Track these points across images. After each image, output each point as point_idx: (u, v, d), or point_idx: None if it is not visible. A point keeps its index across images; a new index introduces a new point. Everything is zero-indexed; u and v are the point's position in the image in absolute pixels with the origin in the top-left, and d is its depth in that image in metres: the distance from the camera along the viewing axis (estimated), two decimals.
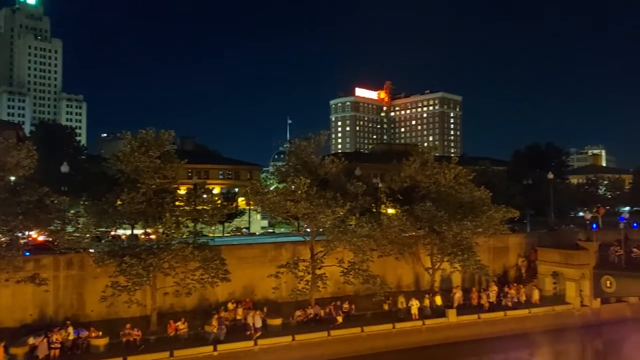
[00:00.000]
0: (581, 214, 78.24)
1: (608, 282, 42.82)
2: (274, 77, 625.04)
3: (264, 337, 33.82)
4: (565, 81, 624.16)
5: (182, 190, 40.98)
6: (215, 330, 33.13)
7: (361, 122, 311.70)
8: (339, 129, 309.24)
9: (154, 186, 35.03)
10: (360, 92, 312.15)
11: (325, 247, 38.22)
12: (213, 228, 48.22)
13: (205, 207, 36.54)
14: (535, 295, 43.74)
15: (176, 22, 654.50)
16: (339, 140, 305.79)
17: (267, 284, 39.21)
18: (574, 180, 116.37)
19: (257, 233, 77.82)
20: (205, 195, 37.37)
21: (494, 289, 43.05)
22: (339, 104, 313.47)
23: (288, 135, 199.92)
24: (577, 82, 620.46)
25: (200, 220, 37.13)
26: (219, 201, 39.28)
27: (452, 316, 39.27)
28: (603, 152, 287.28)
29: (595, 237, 46.05)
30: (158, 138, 35.90)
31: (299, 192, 36.88)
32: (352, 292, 40.82)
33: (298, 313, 37.26)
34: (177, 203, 36.08)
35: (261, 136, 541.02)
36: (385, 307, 39.61)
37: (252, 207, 54.02)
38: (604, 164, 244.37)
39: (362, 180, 44.89)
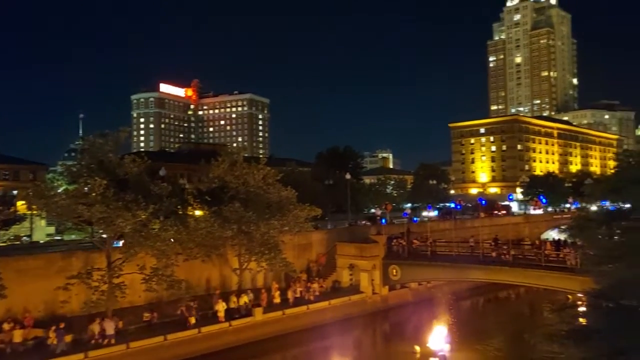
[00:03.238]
0: (373, 210, 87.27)
1: (394, 270, 48.13)
2: (67, 68, 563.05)
3: (52, 358, 29.68)
4: (366, 87, 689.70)
5: None
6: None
7: (167, 120, 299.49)
8: (142, 126, 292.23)
9: None
10: (165, 88, 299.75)
11: (125, 253, 35.20)
12: None
13: None
14: (316, 288, 45.74)
15: None
16: (142, 139, 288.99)
17: (54, 297, 34.62)
18: (367, 180, 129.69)
19: (42, 242, 68.72)
20: None
21: (298, 285, 44.93)
22: (142, 100, 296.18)
23: (81, 132, 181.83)
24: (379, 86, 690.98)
25: None
26: None
27: (258, 314, 39.72)
28: (390, 156, 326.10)
29: (384, 231, 51.40)
30: None
31: (94, 194, 33.30)
32: (155, 299, 38.47)
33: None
34: None
35: (51, 133, 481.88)
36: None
37: (34, 212, 47.20)
38: (391, 166, 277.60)
39: (168, 180, 42.74)
